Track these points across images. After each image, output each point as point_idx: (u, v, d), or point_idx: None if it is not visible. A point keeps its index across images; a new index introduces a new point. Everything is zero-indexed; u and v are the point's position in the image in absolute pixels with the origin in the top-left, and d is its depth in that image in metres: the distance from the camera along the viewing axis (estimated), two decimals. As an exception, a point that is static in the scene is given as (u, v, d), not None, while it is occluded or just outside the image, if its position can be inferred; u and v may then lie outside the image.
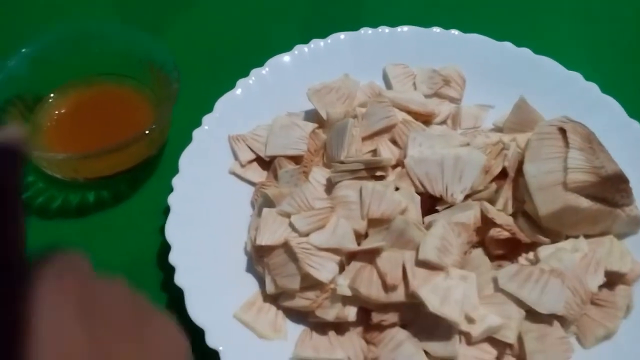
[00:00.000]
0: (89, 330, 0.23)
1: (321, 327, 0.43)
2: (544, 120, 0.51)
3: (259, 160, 0.51)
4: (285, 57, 0.56)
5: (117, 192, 0.52)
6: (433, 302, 0.40)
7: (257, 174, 0.50)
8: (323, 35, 0.58)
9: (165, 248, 0.44)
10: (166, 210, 0.46)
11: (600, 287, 0.43)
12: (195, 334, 0.40)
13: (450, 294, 0.40)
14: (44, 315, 0.22)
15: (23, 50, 0.51)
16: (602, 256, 0.44)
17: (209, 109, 0.52)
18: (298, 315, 0.44)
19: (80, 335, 0.23)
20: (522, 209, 0.46)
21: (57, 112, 0.52)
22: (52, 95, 0.53)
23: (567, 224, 0.45)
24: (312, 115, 0.53)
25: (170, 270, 0.43)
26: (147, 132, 0.48)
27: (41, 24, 0.63)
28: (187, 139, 0.50)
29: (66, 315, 0.23)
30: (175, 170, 0.48)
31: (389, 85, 0.57)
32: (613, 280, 0.44)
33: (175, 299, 0.43)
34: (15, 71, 0.50)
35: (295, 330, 0.43)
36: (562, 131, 0.46)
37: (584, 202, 0.43)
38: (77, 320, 0.23)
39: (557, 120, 0.47)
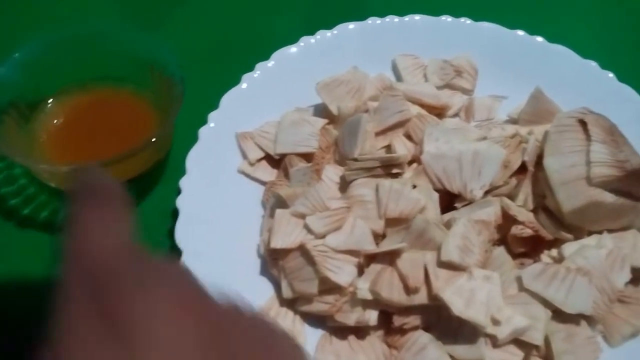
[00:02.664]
0: None
1: (341, 331, 0.41)
2: (561, 111, 0.49)
3: (268, 158, 0.49)
4: (292, 49, 0.54)
5: (125, 200, 0.50)
6: (458, 305, 0.38)
7: (267, 173, 0.49)
8: (328, 25, 0.56)
9: (175, 254, 0.42)
10: (175, 213, 0.44)
11: (626, 283, 0.42)
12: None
13: (475, 295, 0.39)
14: (161, 337, 0.19)
15: (15, 55, 0.48)
16: (627, 252, 0.43)
17: (214, 106, 0.50)
18: (316, 320, 0.42)
19: None
20: (543, 204, 0.45)
21: (55, 120, 0.50)
22: (48, 102, 0.50)
23: (589, 220, 0.43)
24: (321, 110, 0.51)
25: (181, 276, 0.41)
26: (154, 140, 0.45)
27: (33, 26, 0.60)
28: (193, 138, 0.48)
29: (187, 343, 0.19)
30: (182, 172, 0.46)
31: (399, 77, 0.55)
32: (638, 276, 0.43)
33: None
34: (7, 78, 0.47)
35: (314, 335, 0.42)
36: (583, 123, 0.44)
37: (609, 197, 0.42)
38: (197, 350, 0.20)
39: (576, 112, 0.45)
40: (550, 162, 0.43)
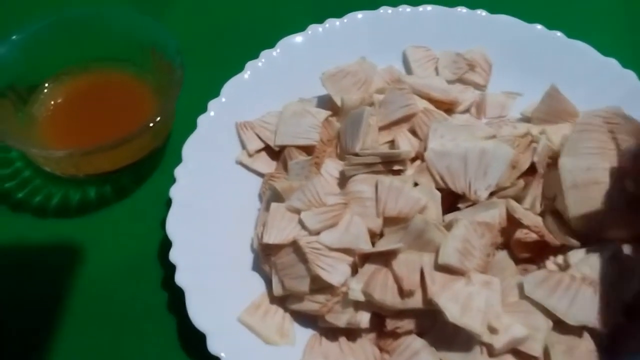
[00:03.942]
0: None
1: (331, 332, 0.40)
2: (577, 110, 0.47)
3: (268, 149, 0.48)
4: (298, 38, 0.52)
5: (120, 187, 0.49)
6: (453, 311, 0.36)
7: (266, 165, 0.47)
8: (339, 14, 0.54)
9: (167, 244, 0.41)
10: (169, 203, 0.43)
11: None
12: (196, 338, 0.38)
13: (472, 301, 0.37)
14: None
15: (13, 37, 0.47)
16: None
17: (215, 94, 0.48)
18: (307, 320, 0.41)
19: None
20: (552, 208, 0.43)
21: (52, 102, 0.49)
22: (46, 84, 0.49)
23: (595, 228, 0.41)
24: (325, 102, 0.49)
25: (171, 268, 0.40)
26: (151, 124, 0.44)
27: (32, 7, 0.59)
28: (193, 127, 0.47)
29: None
30: (180, 161, 0.45)
31: (409, 70, 0.53)
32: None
33: (176, 299, 0.40)
34: (5, 59, 0.47)
35: (304, 335, 0.40)
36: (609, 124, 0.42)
37: (620, 205, 0.40)
38: None
39: (603, 111, 0.43)
40: (565, 162, 0.41)
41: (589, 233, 0.41)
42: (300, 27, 0.53)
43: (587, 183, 0.40)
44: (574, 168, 0.41)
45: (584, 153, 0.41)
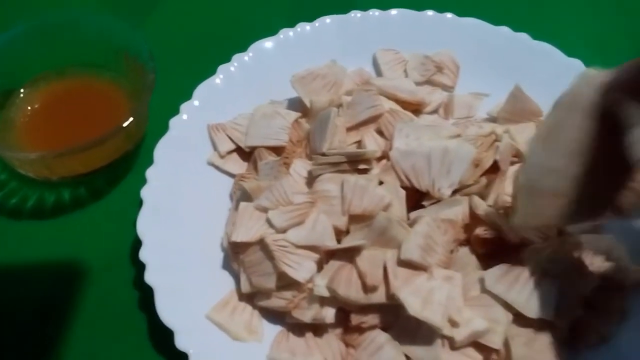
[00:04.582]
0: None
1: (298, 328, 0.41)
2: (540, 110, 0.48)
3: (239, 151, 0.48)
4: (269, 42, 0.53)
5: (95, 189, 0.50)
6: (414, 305, 0.37)
7: (237, 166, 0.48)
8: (311, 18, 0.55)
9: (139, 243, 0.42)
10: (141, 204, 0.44)
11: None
12: (166, 335, 0.39)
13: (433, 295, 0.38)
14: None
15: None
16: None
17: (189, 97, 0.49)
18: (275, 316, 0.42)
19: None
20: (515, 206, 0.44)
21: (29, 107, 0.50)
22: (22, 89, 0.50)
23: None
24: (296, 104, 0.50)
25: (143, 267, 0.41)
26: (123, 125, 0.45)
27: (8, 13, 0.61)
28: (167, 130, 0.47)
29: None
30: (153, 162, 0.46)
31: (379, 72, 0.54)
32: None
33: (147, 298, 0.41)
34: None
35: (272, 331, 0.41)
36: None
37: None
38: None
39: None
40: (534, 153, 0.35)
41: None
42: (272, 31, 0.54)
43: (545, 193, 0.34)
44: (537, 164, 0.35)
45: (555, 148, 0.33)
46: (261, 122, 0.48)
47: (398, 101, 0.49)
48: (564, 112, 0.33)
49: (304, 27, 0.54)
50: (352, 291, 0.39)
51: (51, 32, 0.50)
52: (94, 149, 0.45)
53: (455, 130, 0.46)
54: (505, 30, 0.54)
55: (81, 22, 0.51)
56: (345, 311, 0.40)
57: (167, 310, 0.39)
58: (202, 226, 0.45)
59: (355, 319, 0.40)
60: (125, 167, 0.50)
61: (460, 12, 0.56)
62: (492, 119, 0.50)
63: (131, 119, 0.45)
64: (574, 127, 0.32)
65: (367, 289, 0.39)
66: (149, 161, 0.46)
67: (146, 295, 0.42)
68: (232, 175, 0.48)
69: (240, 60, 0.52)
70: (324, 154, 0.44)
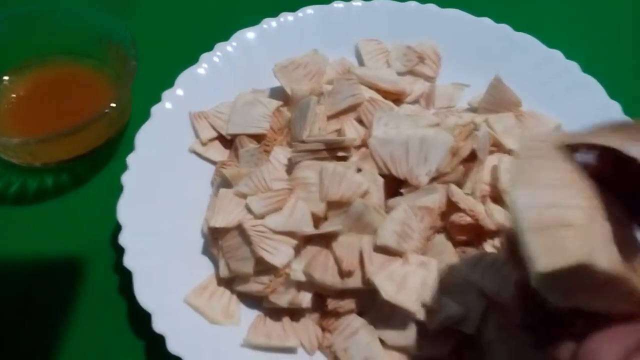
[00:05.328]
0: None
1: (276, 313, 0.41)
2: (519, 100, 0.49)
3: (221, 138, 0.49)
4: (252, 32, 0.53)
5: (77, 175, 0.50)
6: (388, 290, 0.38)
7: (219, 153, 0.49)
8: (294, 8, 0.55)
9: (120, 230, 0.43)
10: (122, 190, 0.44)
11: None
12: (144, 318, 0.39)
13: (407, 281, 0.38)
14: None
15: None
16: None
17: (171, 85, 0.50)
18: (253, 301, 0.42)
19: None
20: (493, 194, 0.44)
21: (13, 95, 0.50)
22: (6, 77, 0.51)
23: (565, 289, 0.26)
24: (278, 93, 0.50)
25: (123, 252, 0.42)
26: (106, 111, 0.45)
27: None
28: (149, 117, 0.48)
29: None
30: (134, 149, 0.46)
31: (361, 62, 0.55)
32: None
33: (128, 283, 0.41)
34: None
35: (251, 316, 0.42)
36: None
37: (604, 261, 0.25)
38: None
39: (552, 133, 0.42)
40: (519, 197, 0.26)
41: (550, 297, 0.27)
42: (255, 21, 0.54)
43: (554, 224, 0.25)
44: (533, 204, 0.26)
45: (543, 185, 0.27)
46: (243, 110, 0.48)
47: (379, 90, 0.49)
48: (533, 157, 0.28)
49: (287, 17, 0.54)
50: (328, 276, 0.39)
51: (34, 20, 0.50)
52: (76, 135, 0.46)
53: (434, 120, 0.46)
54: (487, 21, 0.55)
55: (64, 9, 0.51)
56: (321, 296, 0.41)
57: (145, 294, 0.40)
58: (182, 212, 0.45)
59: (331, 304, 0.40)
60: (108, 154, 0.51)
61: (443, 4, 0.56)
62: (473, 109, 0.51)
63: (113, 104, 0.46)
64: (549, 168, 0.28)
65: (343, 274, 0.39)
66: (132, 148, 0.47)
67: (126, 280, 0.43)
68: (213, 163, 0.48)
69: (223, 50, 0.52)
70: (303, 142, 0.44)
